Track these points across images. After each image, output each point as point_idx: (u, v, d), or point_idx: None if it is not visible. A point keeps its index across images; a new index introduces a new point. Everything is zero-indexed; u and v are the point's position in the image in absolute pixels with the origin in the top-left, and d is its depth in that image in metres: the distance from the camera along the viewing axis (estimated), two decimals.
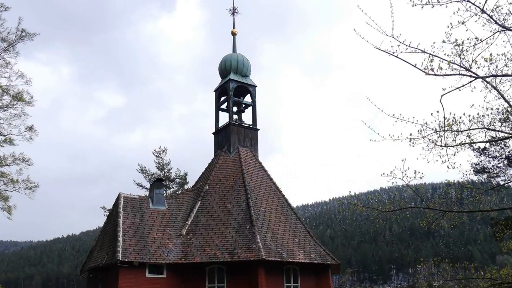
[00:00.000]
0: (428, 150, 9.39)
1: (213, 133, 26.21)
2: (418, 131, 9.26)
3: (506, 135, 9.96)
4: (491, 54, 8.79)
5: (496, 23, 8.81)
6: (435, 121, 9.15)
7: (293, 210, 22.83)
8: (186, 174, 37.61)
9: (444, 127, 9.14)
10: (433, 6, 8.68)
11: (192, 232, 20.46)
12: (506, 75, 8.99)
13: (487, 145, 14.15)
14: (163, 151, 36.92)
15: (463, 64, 8.75)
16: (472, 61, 8.74)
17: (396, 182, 9.96)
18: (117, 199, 20.96)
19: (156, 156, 36.84)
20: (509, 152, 14.60)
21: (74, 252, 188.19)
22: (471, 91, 8.88)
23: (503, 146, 14.51)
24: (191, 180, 36.40)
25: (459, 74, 8.81)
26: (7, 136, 20.86)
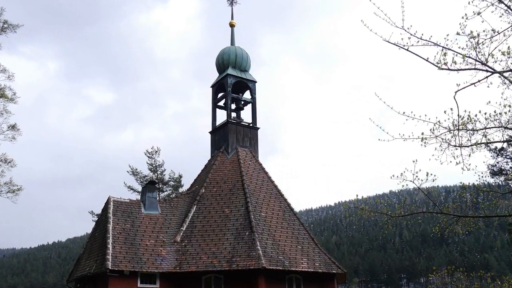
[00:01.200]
0: (441, 150, 9.39)
1: (210, 132, 26.22)
2: (430, 130, 9.27)
3: None
4: (509, 47, 8.78)
5: None
6: (448, 119, 9.16)
7: (296, 215, 22.85)
8: (180, 176, 37.65)
9: (459, 125, 9.14)
10: None
11: (187, 238, 20.47)
12: None
13: (505, 145, 14.16)
14: (156, 152, 36.97)
15: (478, 58, 8.75)
16: (489, 54, 8.74)
17: (406, 185, 9.96)
18: (107, 203, 20.96)
19: (149, 157, 36.89)
20: None
21: (60, 260, 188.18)
22: (488, 87, 8.88)
23: None
24: (186, 183, 36.46)
25: (474, 69, 8.81)
26: None
